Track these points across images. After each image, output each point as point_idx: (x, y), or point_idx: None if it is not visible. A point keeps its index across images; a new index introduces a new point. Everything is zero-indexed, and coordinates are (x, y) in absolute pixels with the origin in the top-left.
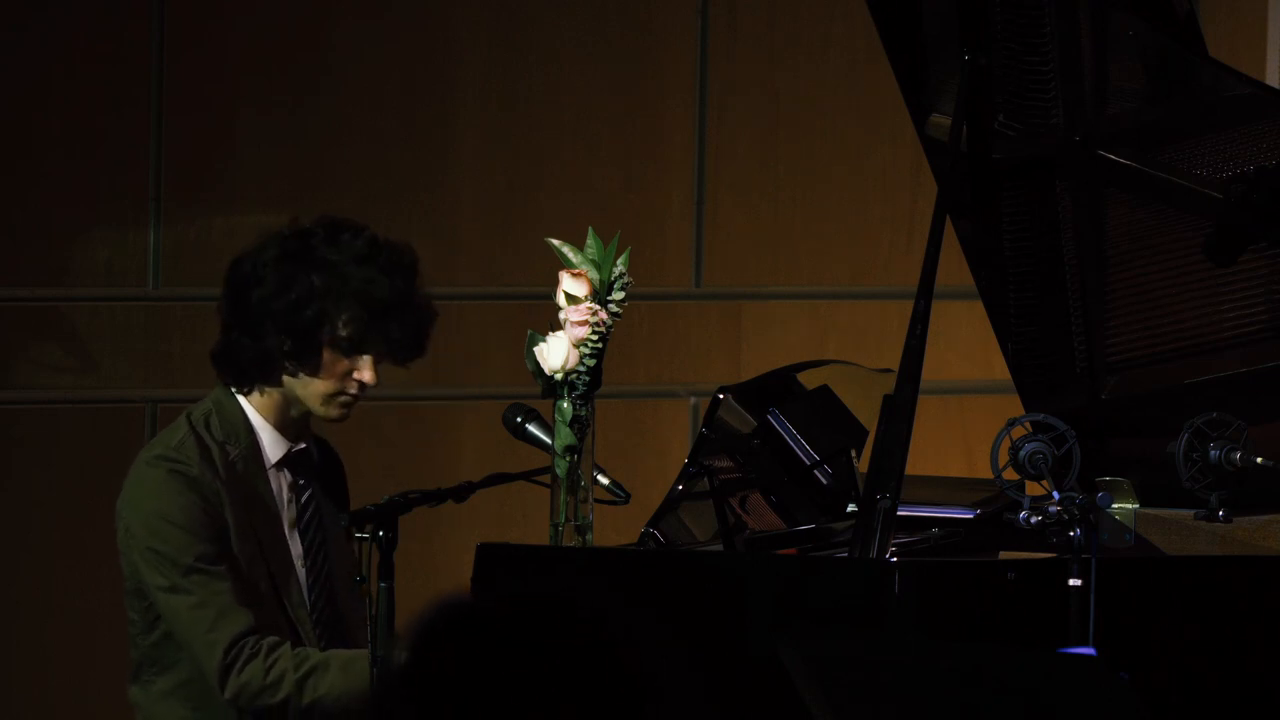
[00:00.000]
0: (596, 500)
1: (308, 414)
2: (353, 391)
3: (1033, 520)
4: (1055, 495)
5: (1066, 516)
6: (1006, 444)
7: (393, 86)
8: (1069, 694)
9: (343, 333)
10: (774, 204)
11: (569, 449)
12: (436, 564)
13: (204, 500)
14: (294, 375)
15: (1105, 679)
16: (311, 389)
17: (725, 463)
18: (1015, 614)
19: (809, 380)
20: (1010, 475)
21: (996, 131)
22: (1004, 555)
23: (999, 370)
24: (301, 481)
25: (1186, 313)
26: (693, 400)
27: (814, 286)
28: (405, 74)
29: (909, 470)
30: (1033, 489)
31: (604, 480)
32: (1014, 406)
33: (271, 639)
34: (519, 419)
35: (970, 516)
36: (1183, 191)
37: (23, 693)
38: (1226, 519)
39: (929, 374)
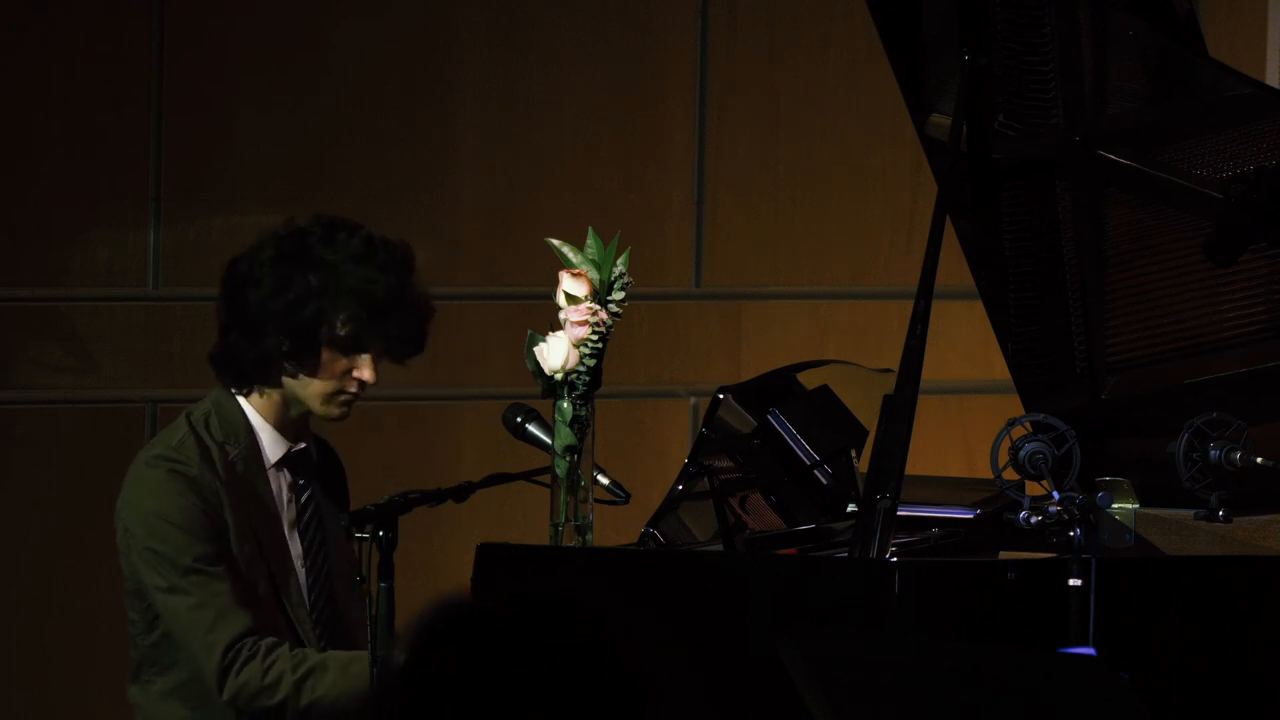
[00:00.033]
0: (596, 500)
1: (307, 414)
2: (352, 390)
3: (1033, 520)
4: (1055, 495)
5: (1066, 516)
6: (1006, 444)
7: (393, 86)
8: (1069, 694)
9: (341, 332)
10: (774, 204)
11: (569, 449)
12: (436, 564)
13: (203, 501)
14: (293, 376)
15: (1105, 679)
16: (311, 389)
17: (725, 463)
18: (1015, 614)
19: (809, 380)
20: (1010, 475)
21: (996, 131)
22: (1004, 555)
23: (999, 370)
24: (301, 482)
25: (1186, 313)
26: (693, 400)
27: (814, 286)
28: (405, 74)
29: (909, 470)
30: (1033, 489)
31: (604, 480)
32: (1014, 406)
33: (270, 640)
34: (519, 419)
35: (970, 516)
36: (1183, 191)
37: (23, 693)
38: (1226, 519)
39: (929, 374)
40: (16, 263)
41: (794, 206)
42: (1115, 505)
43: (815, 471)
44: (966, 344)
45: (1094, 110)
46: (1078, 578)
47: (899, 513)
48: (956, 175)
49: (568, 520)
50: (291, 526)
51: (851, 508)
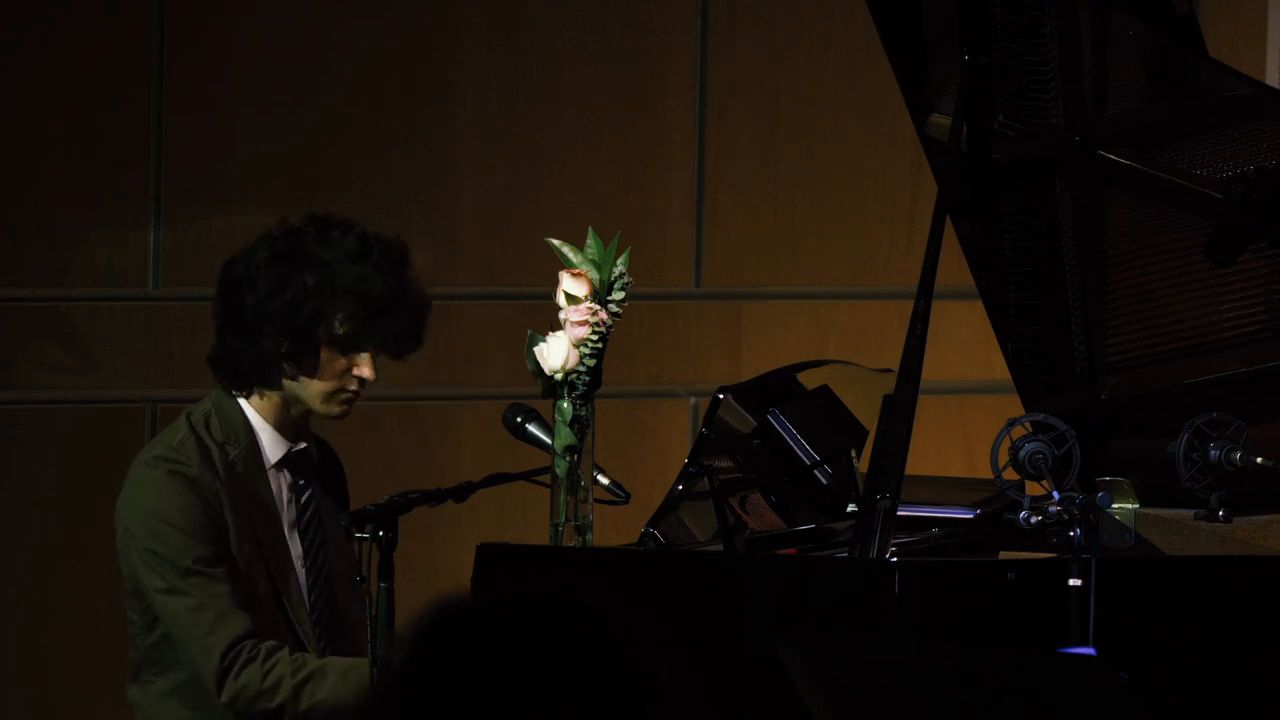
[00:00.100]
0: (596, 500)
1: (308, 413)
2: (353, 388)
3: (1033, 520)
4: (1055, 495)
5: (1066, 516)
6: (1006, 444)
7: (393, 86)
8: (1069, 694)
9: (339, 331)
10: (774, 204)
11: (569, 449)
12: (436, 564)
13: (203, 501)
14: (293, 378)
15: (1105, 679)
16: (311, 389)
17: (725, 463)
18: (1015, 614)
19: (809, 380)
20: (1010, 475)
21: (996, 131)
22: (1004, 555)
23: (999, 370)
24: (301, 482)
25: (1186, 313)
26: (693, 400)
27: (814, 286)
28: (405, 74)
29: (909, 470)
30: (1033, 489)
31: (604, 480)
32: (1014, 406)
33: (270, 643)
34: (519, 419)
35: (970, 516)
36: (1183, 191)
37: (23, 693)
38: (1226, 519)
39: (929, 374)
40: (16, 263)
41: (794, 206)
42: (1115, 505)
43: (815, 471)
44: (966, 344)
45: (1094, 110)
46: (1078, 578)
47: (899, 513)
48: (956, 175)
49: (568, 520)
50: (291, 527)
51: (851, 508)
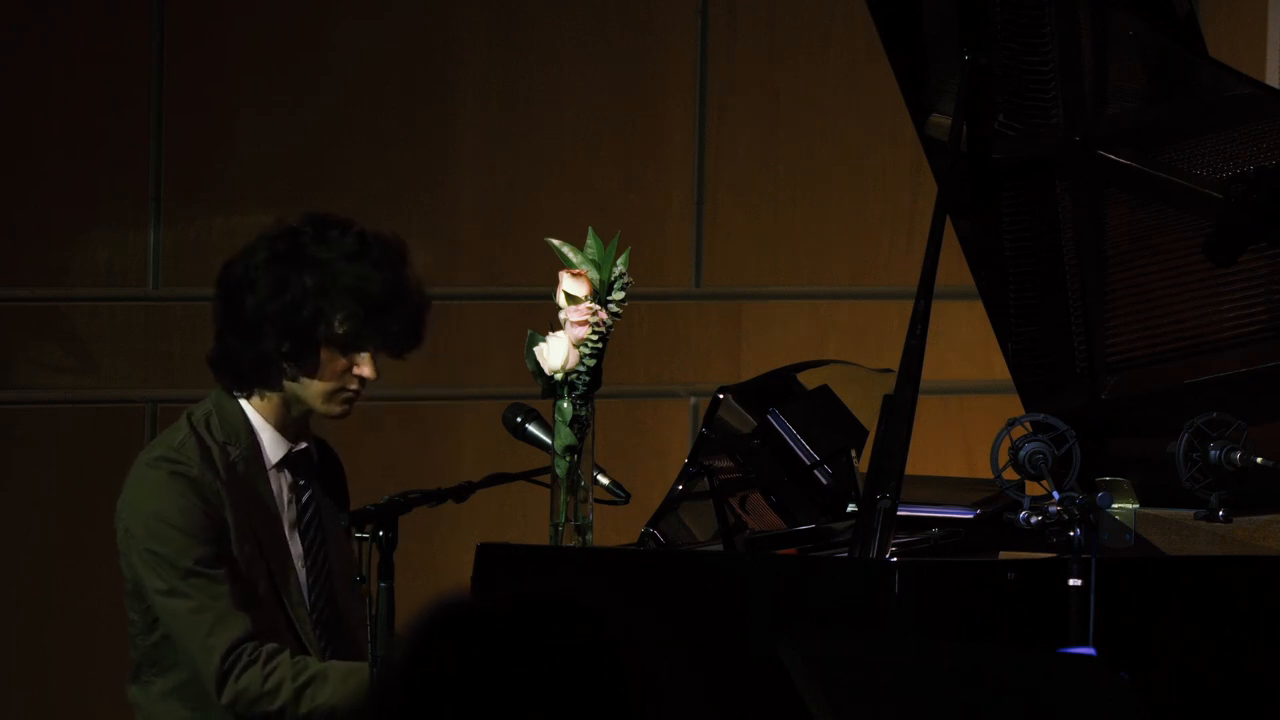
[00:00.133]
0: (596, 500)
1: (308, 413)
2: (354, 388)
3: (1033, 520)
4: (1055, 495)
5: (1066, 516)
6: (1006, 444)
7: (393, 86)
8: (1069, 694)
9: (339, 330)
10: (774, 204)
11: (569, 449)
12: (436, 564)
13: (204, 502)
14: (294, 379)
15: (1105, 679)
16: (312, 389)
17: (725, 463)
18: (1015, 614)
19: (809, 380)
20: (1010, 475)
21: (996, 131)
22: (1004, 555)
23: (999, 370)
24: (302, 482)
25: (1186, 313)
26: (693, 400)
27: (814, 286)
28: (405, 74)
29: (909, 470)
30: (1033, 489)
31: (604, 480)
32: (1014, 406)
33: (271, 646)
34: (519, 419)
35: (970, 516)
36: (1183, 191)
37: (23, 693)
38: (1226, 519)
39: (929, 374)
40: (16, 263)
41: (794, 206)
42: (1115, 505)
43: (815, 471)
44: (966, 344)
45: (1094, 110)
46: (1078, 578)
47: (899, 513)
48: (956, 175)
49: (568, 520)
50: (292, 527)
51: (851, 508)
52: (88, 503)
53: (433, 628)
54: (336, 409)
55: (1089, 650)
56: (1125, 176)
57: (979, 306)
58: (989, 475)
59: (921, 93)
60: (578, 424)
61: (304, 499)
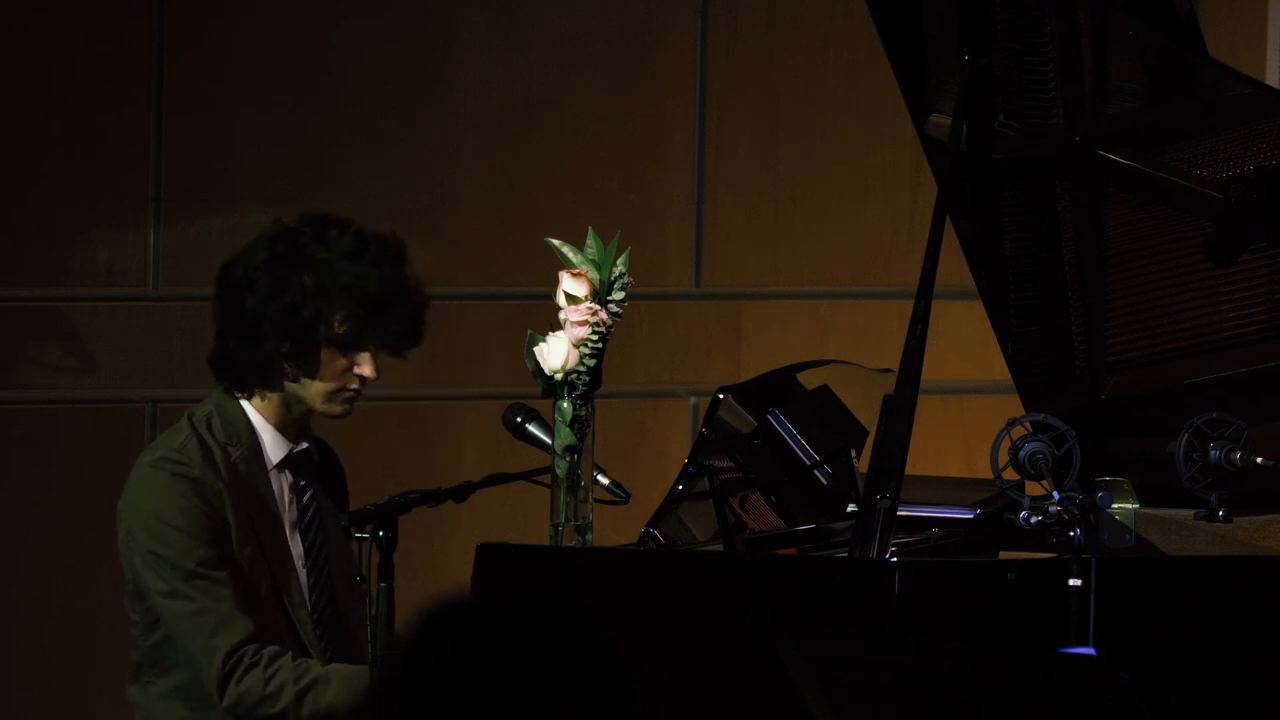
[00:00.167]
0: (596, 500)
1: (309, 413)
2: (354, 387)
3: (1033, 520)
4: (1055, 495)
5: (1066, 516)
6: (1006, 444)
7: (393, 86)
8: (1069, 694)
9: (339, 330)
10: (774, 204)
11: (569, 449)
12: (436, 564)
13: (206, 503)
14: (294, 380)
15: (1105, 679)
16: (313, 389)
17: (725, 463)
18: (1015, 614)
19: (809, 380)
20: (1010, 475)
21: (996, 131)
22: (1004, 555)
23: (999, 370)
24: (303, 482)
25: (1186, 313)
26: (693, 400)
27: (814, 286)
28: (405, 74)
29: (909, 470)
30: (1033, 489)
31: (604, 480)
32: (1014, 406)
33: (272, 649)
34: (519, 419)
35: (970, 516)
36: (1183, 191)
37: (23, 693)
38: (1226, 519)
39: (929, 374)
40: (16, 263)
41: (794, 206)
42: (1115, 505)
43: (815, 471)
44: (966, 344)
45: (1094, 110)
46: (1078, 578)
47: (899, 513)
48: (956, 175)
49: (568, 520)
50: (293, 527)
51: (851, 508)
52: (88, 503)
53: (433, 628)
54: (337, 409)
55: (1089, 650)
56: (1125, 176)
57: (979, 306)
58: (989, 475)
59: (921, 93)
60: (578, 424)
61: (305, 499)
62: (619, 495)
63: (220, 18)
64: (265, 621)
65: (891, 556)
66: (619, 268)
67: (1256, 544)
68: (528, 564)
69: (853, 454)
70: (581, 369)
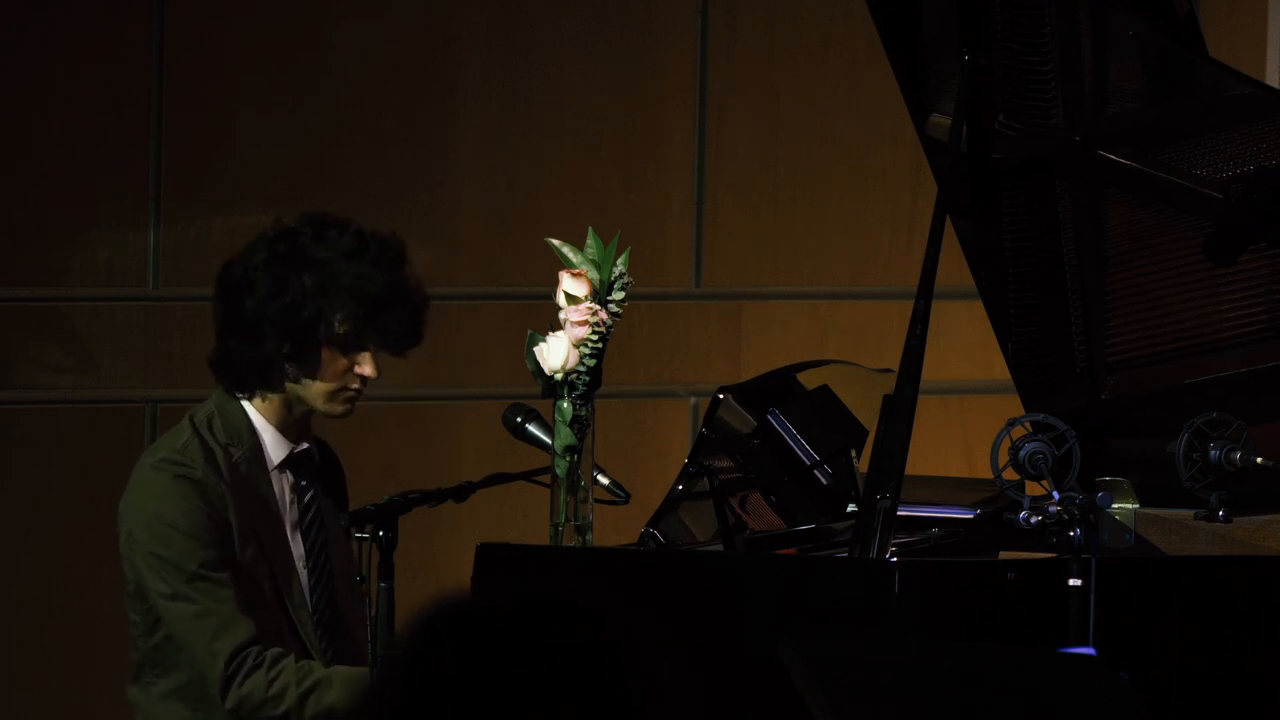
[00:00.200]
0: (596, 500)
1: (309, 413)
2: (355, 387)
3: (1033, 520)
4: (1055, 495)
5: (1066, 516)
6: (1006, 444)
7: (393, 86)
8: (1069, 694)
9: (340, 330)
10: (774, 204)
11: (569, 449)
12: (436, 564)
13: (208, 505)
14: (295, 380)
15: (1105, 679)
16: (313, 389)
17: (725, 463)
18: (1015, 614)
19: (809, 380)
20: (1010, 475)
21: (996, 131)
22: (1004, 555)
23: (999, 370)
24: (304, 483)
25: (1186, 313)
26: (693, 400)
27: (814, 286)
28: (405, 74)
29: (909, 470)
30: (1033, 489)
31: (604, 480)
32: (1014, 406)
33: (275, 651)
34: (519, 419)
35: (970, 516)
36: (1183, 191)
37: (23, 693)
38: (1226, 519)
39: (929, 374)
40: (16, 263)
41: (794, 206)
42: (1115, 505)
43: (815, 471)
44: (966, 344)
45: (1094, 110)
46: (1078, 578)
47: (899, 513)
48: (956, 175)
49: (568, 520)
50: (294, 528)
51: (851, 508)
52: (88, 503)
53: (433, 628)
54: (338, 409)
55: (1089, 650)
56: (1125, 176)
57: (979, 306)
58: (989, 475)
59: (921, 93)
60: (578, 424)
61: (306, 499)
62: (619, 495)
63: (220, 18)
64: (266, 622)
65: (891, 556)
66: (619, 268)
67: (1256, 544)
68: (528, 564)
69: (853, 454)
70: (581, 369)
